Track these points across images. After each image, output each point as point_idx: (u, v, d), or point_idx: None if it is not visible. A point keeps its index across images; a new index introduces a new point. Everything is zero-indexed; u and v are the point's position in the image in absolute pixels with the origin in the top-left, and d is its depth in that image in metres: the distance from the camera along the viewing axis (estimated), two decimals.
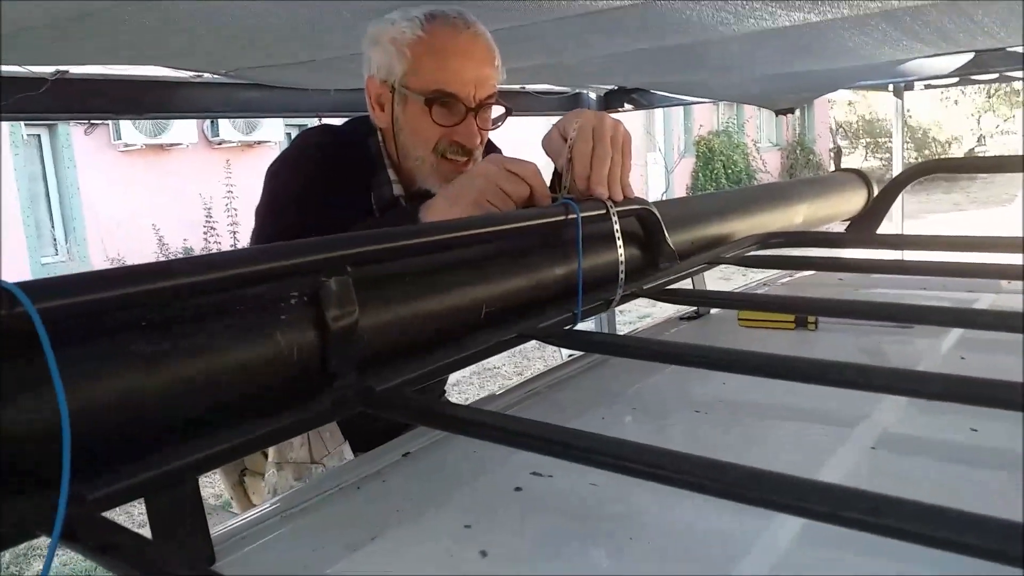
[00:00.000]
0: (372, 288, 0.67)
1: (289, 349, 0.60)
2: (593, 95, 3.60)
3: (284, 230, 1.09)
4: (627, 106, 3.68)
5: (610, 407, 0.83)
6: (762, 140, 17.04)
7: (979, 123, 21.38)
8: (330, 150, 1.24)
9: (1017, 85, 17.45)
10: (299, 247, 0.60)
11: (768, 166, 16.63)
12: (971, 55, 2.77)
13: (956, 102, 20.53)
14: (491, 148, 1.33)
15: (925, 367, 0.84)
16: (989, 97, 20.91)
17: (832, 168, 1.82)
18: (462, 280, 0.76)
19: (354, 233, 0.64)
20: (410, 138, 1.20)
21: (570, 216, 0.86)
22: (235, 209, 8.65)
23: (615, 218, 0.91)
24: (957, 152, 20.43)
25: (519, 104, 3.28)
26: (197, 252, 8.60)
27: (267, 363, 0.59)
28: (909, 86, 4.93)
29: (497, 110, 1.25)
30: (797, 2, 1.52)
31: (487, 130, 1.23)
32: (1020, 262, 0.95)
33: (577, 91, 3.53)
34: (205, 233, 8.91)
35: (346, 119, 1.35)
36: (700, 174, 15.24)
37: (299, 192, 1.18)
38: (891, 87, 5.14)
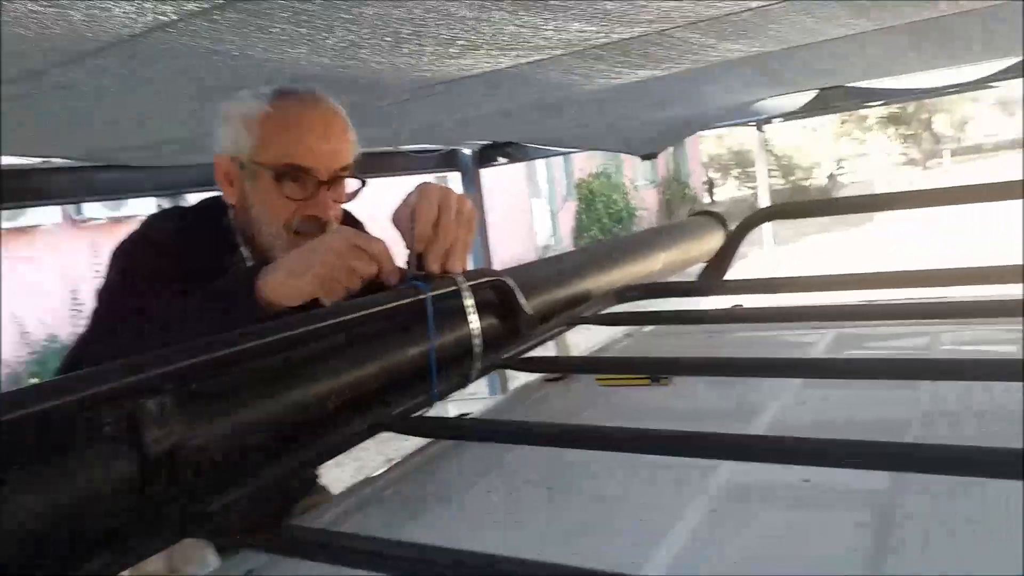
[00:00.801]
0: (200, 402, 0.64)
1: (105, 483, 0.56)
2: (468, 151, 3.64)
3: (128, 316, 1.04)
4: (501, 159, 3.72)
5: (465, 492, 0.81)
6: (639, 179, 17.71)
7: (837, 147, 23.13)
8: (179, 232, 1.20)
9: (863, 112, 18.91)
10: (111, 370, 0.57)
11: (646, 203, 17.30)
12: (815, 92, 2.98)
13: (815, 129, 22.12)
14: (349, 221, 1.31)
15: (768, 415, 0.88)
16: (843, 123, 22.66)
17: (707, 200, 1.89)
18: (304, 376, 0.74)
19: (175, 348, 0.61)
20: (261, 214, 1.17)
21: (420, 296, 0.86)
22: None
23: (466, 293, 0.91)
24: (820, 175, 21.92)
25: (395, 165, 3.28)
26: (63, 338, 8.07)
27: (81, 502, 0.54)
28: (768, 120, 5.25)
29: (353, 183, 1.24)
30: (638, 62, 1.59)
31: (341, 203, 1.22)
32: (853, 302, 1.01)
33: (452, 148, 3.56)
34: (72, 317, 8.38)
35: (202, 199, 1.31)
36: (583, 216, 15.69)
37: (145, 277, 1.13)
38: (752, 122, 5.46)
